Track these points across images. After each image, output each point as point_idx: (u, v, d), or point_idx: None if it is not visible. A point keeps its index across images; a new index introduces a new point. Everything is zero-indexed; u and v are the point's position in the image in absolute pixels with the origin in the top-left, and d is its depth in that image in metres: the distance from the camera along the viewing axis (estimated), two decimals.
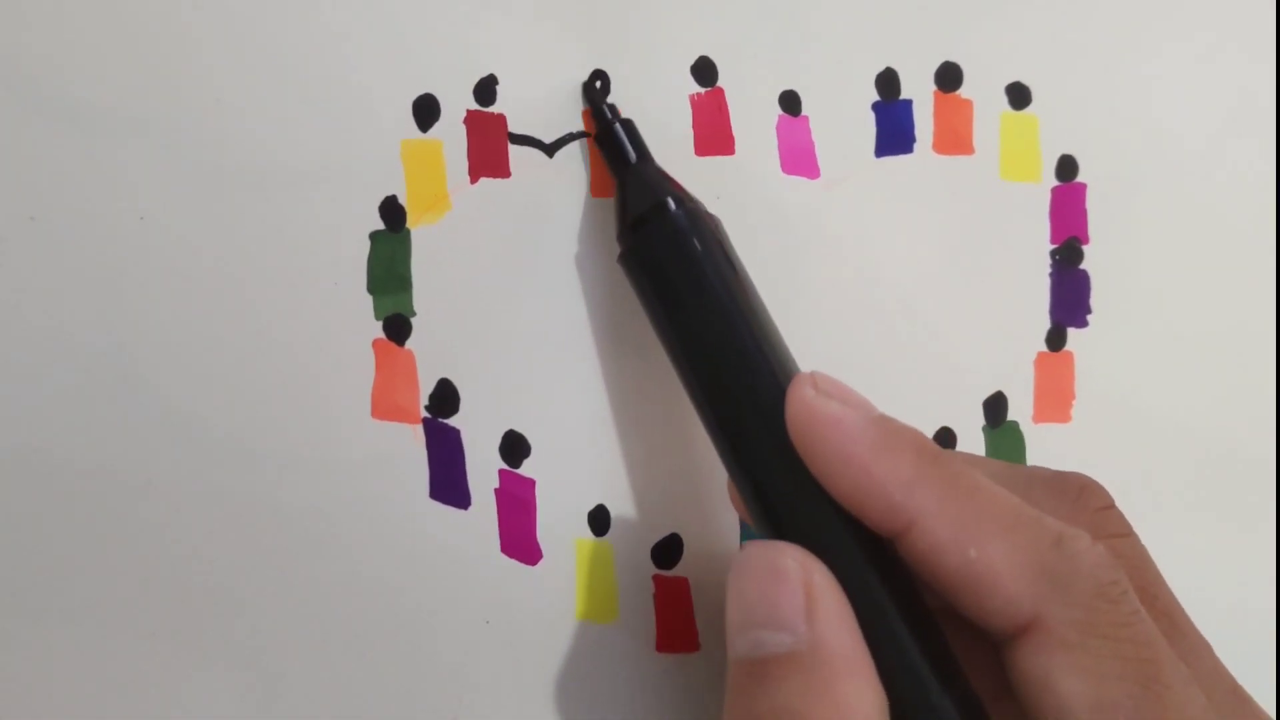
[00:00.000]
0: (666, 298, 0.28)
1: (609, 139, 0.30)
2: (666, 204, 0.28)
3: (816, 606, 0.23)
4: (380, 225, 0.30)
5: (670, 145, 0.31)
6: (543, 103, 0.31)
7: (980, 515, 0.24)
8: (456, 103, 0.30)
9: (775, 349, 0.27)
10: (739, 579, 0.24)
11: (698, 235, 0.28)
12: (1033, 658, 0.23)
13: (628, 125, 0.30)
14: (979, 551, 0.23)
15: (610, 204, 0.31)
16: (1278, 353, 0.35)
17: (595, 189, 0.31)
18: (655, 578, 0.31)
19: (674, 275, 0.28)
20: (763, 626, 0.23)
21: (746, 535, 0.32)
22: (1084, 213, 0.34)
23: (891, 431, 0.25)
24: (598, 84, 0.31)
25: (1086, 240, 0.34)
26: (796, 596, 0.23)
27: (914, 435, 0.25)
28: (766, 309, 0.28)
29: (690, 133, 0.31)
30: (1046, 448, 0.34)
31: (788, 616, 0.23)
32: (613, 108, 0.31)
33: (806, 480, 0.25)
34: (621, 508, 0.31)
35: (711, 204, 0.31)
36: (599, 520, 0.31)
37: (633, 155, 0.30)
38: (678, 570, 0.31)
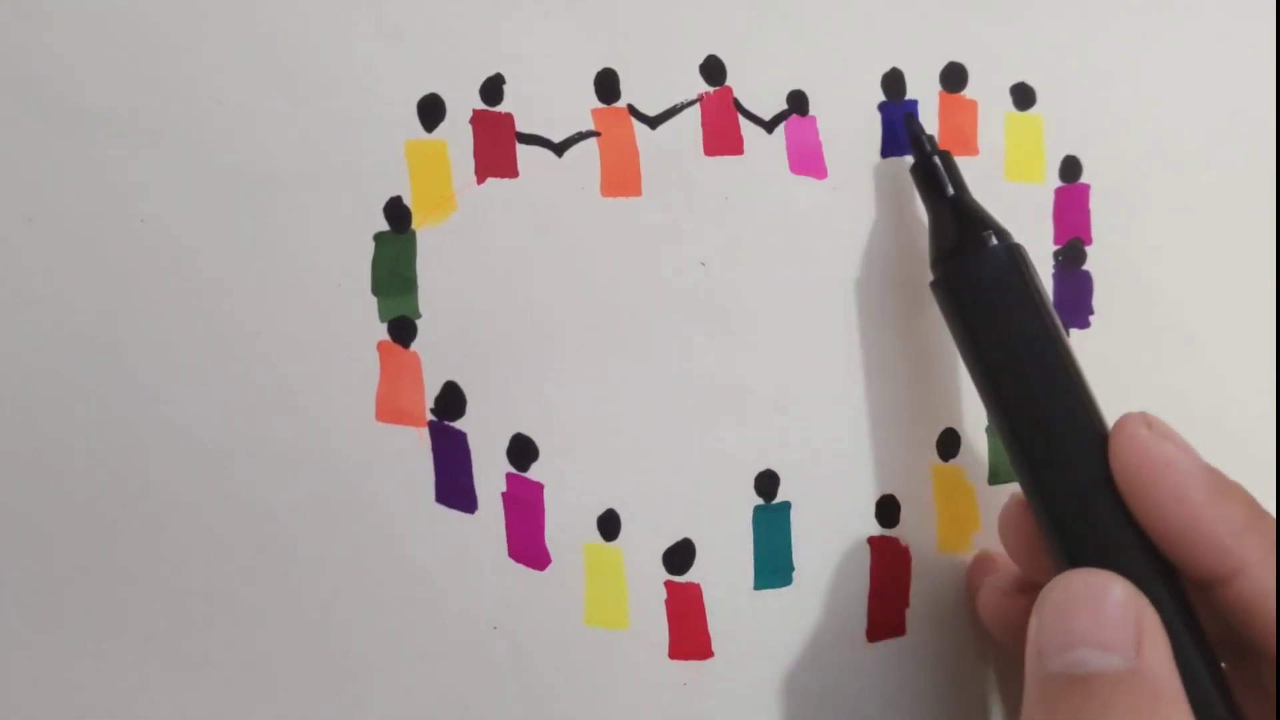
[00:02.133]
0: (985, 328, 0.29)
1: (927, 169, 0.31)
2: (988, 237, 0.30)
3: (1145, 635, 0.24)
4: (385, 226, 0.29)
5: (679, 145, 0.31)
6: (551, 102, 0.30)
7: None
8: (462, 102, 0.30)
9: (1087, 387, 0.28)
10: (1064, 600, 0.25)
11: (1018, 270, 0.29)
12: None
13: (945, 157, 0.31)
14: None
15: (625, 204, 0.31)
16: (1278, 353, 0.35)
17: (606, 188, 0.31)
18: (667, 584, 0.31)
19: (995, 307, 0.29)
20: (1090, 646, 0.24)
21: (760, 543, 0.32)
22: (1087, 214, 0.34)
23: (1224, 481, 0.26)
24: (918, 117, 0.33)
25: (1089, 241, 0.34)
26: (1128, 623, 0.24)
27: (1243, 489, 0.26)
28: (1070, 345, 0.29)
29: (699, 132, 0.31)
30: None
31: (1119, 640, 0.24)
32: (931, 139, 0.31)
33: (1123, 519, 0.26)
34: (632, 512, 0.31)
35: (720, 203, 0.31)
36: (609, 525, 0.31)
37: (950, 188, 0.31)
38: (690, 576, 0.31)
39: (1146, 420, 0.26)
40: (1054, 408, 0.28)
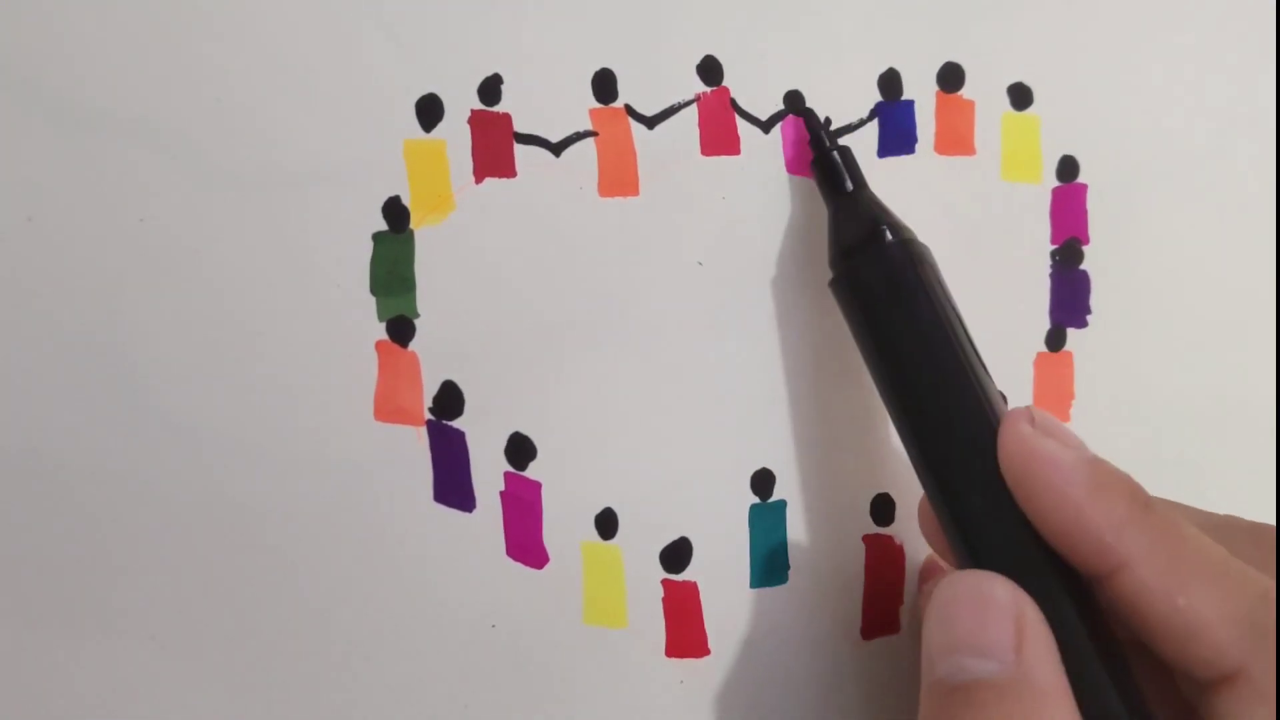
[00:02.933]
0: (879, 326, 0.29)
1: (826, 165, 0.31)
2: (883, 233, 0.29)
3: (1025, 638, 0.24)
4: (383, 226, 0.29)
5: (676, 145, 0.31)
6: (549, 102, 0.30)
7: (1190, 563, 0.24)
8: (460, 102, 0.30)
9: (984, 382, 0.28)
10: (947, 604, 0.25)
11: (912, 266, 0.29)
12: (1233, 707, 0.23)
13: (844, 153, 0.31)
14: (1187, 600, 0.24)
15: (622, 203, 0.31)
16: (1278, 353, 0.36)
17: (603, 188, 0.31)
18: (664, 582, 0.31)
19: (888, 304, 0.28)
20: (969, 652, 0.24)
21: (756, 542, 0.32)
22: (1084, 213, 0.34)
23: (1106, 474, 0.25)
24: (812, 110, 0.32)
25: (1087, 241, 0.35)
26: (1006, 626, 0.24)
27: (1127, 480, 0.25)
28: (973, 341, 0.28)
29: (696, 132, 0.31)
30: None
31: (996, 645, 0.24)
32: (831, 135, 0.31)
33: (1014, 515, 0.26)
34: (629, 511, 0.31)
35: (717, 203, 0.31)
36: (606, 523, 0.31)
37: (849, 183, 0.30)
38: (687, 574, 0.31)
39: (1030, 416, 0.26)
40: (947, 407, 0.27)
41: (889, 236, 0.29)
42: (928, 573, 0.33)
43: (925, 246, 0.29)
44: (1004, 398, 0.28)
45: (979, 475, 0.26)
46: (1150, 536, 0.24)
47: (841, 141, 0.32)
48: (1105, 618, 0.26)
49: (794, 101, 0.32)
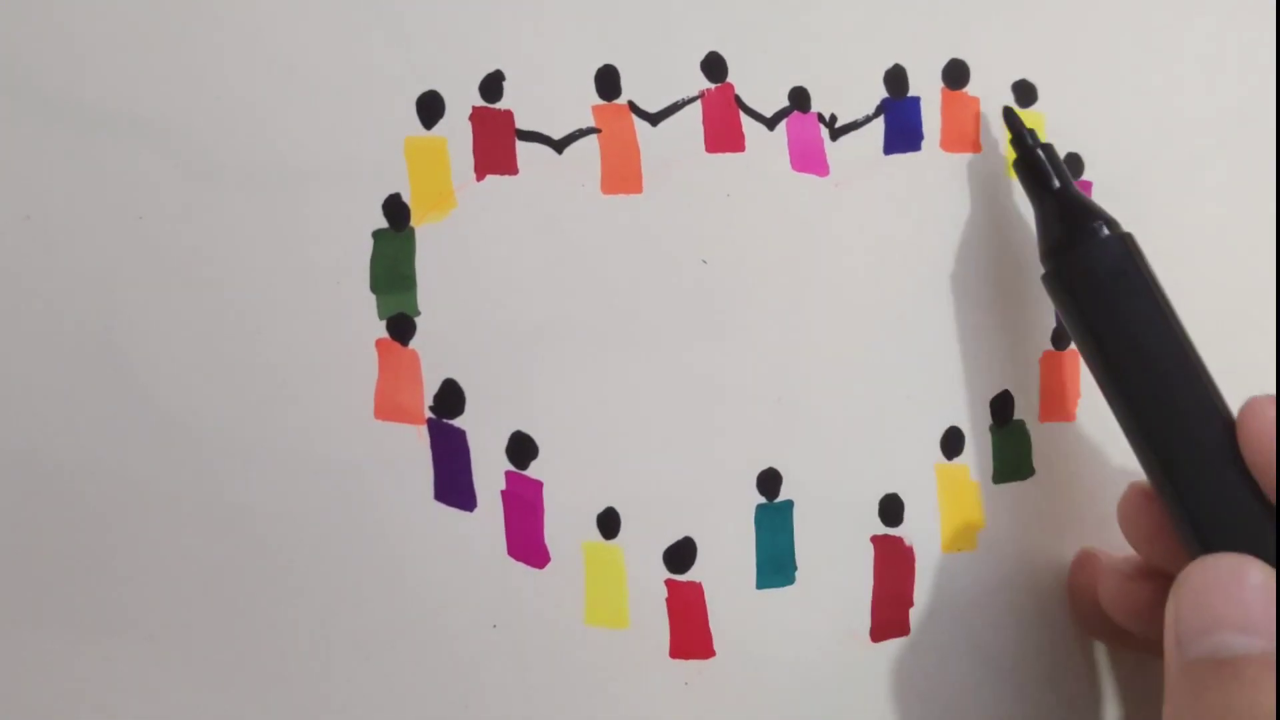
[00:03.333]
0: (1100, 318, 0.29)
1: (1031, 163, 0.31)
2: (1099, 228, 0.30)
3: None
4: (384, 224, 0.29)
5: (680, 141, 0.31)
6: (551, 98, 0.30)
7: None
8: (462, 99, 0.30)
9: (1205, 370, 0.29)
10: (1201, 586, 0.25)
11: (1133, 260, 0.30)
12: None
13: (1048, 150, 0.31)
14: None
15: (625, 201, 0.31)
16: (1278, 352, 0.35)
17: (606, 186, 0.30)
18: (668, 582, 0.31)
19: (1114, 297, 0.29)
20: (1233, 630, 0.25)
21: (762, 542, 0.32)
22: None
23: None
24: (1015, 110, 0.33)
25: None
26: (1269, 604, 0.25)
27: None
28: (1182, 324, 0.29)
29: (701, 129, 0.31)
30: (1052, 446, 0.34)
31: (1261, 622, 0.24)
32: (1033, 133, 0.32)
33: (1256, 500, 0.27)
34: (632, 510, 0.31)
35: (722, 201, 0.31)
36: (608, 523, 0.31)
37: (1056, 181, 0.31)
38: (691, 575, 0.31)
39: (1274, 402, 0.27)
40: (1177, 394, 0.28)
41: (1105, 231, 0.30)
42: (1084, 566, 0.33)
43: (1131, 236, 0.30)
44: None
45: (1217, 462, 0.27)
46: None
47: (849, 138, 0.32)
48: None
49: (799, 98, 0.32)
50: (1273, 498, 0.26)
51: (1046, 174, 0.31)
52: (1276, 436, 0.26)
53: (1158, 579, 0.29)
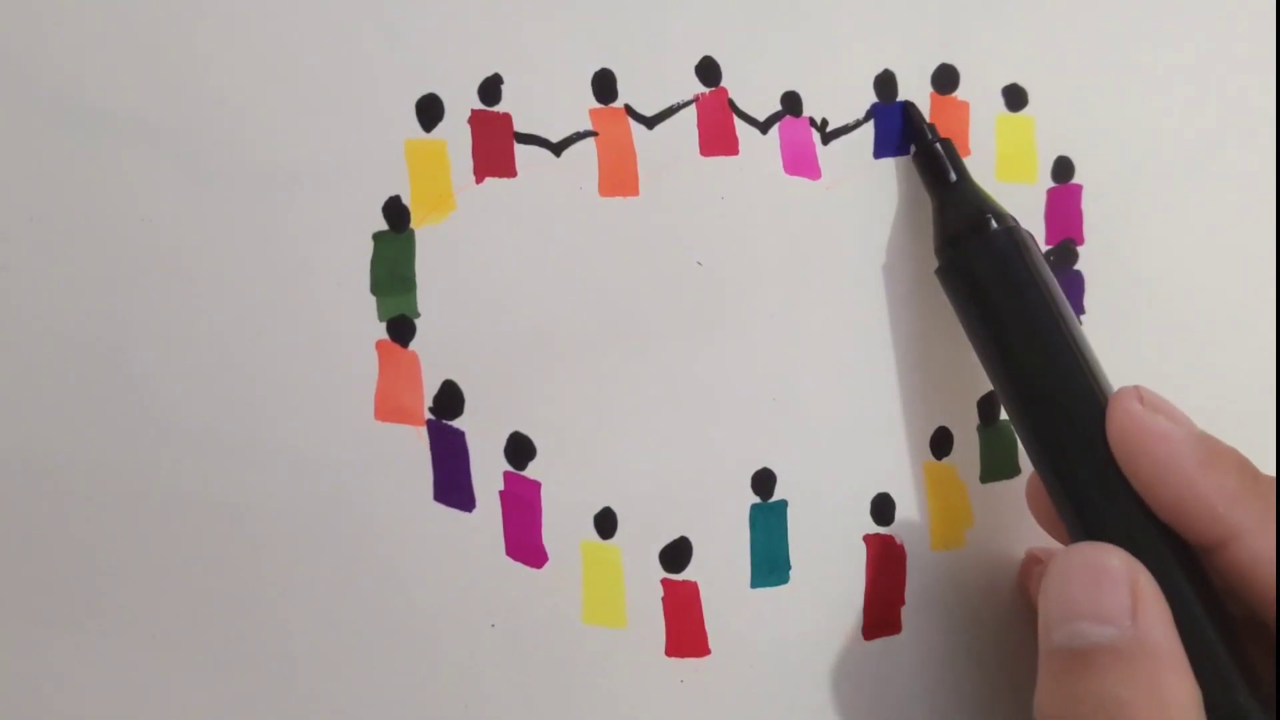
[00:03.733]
0: (989, 311, 0.30)
1: (929, 157, 0.32)
2: (988, 221, 0.30)
3: (1141, 604, 0.25)
4: (384, 226, 0.29)
5: (676, 145, 0.31)
6: (549, 102, 0.30)
7: None
8: (461, 102, 0.30)
9: (1091, 363, 0.29)
10: (1062, 574, 0.26)
11: (1019, 253, 0.30)
12: None
13: (946, 145, 0.32)
14: None
15: (622, 203, 0.31)
16: (1277, 355, 0.36)
17: (603, 188, 0.31)
18: (664, 582, 0.31)
19: (996, 290, 0.30)
20: (1087, 619, 0.25)
21: (757, 541, 0.32)
22: (1079, 214, 0.35)
23: (1215, 448, 0.27)
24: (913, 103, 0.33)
25: (1081, 241, 0.35)
26: (1122, 593, 0.25)
27: (1235, 454, 0.27)
28: (1079, 323, 0.30)
29: (695, 132, 0.31)
30: None
31: (1113, 611, 0.25)
32: (932, 127, 0.32)
33: (1124, 490, 0.27)
34: (629, 510, 0.31)
35: (716, 203, 0.31)
36: (606, 523, 0.31)
37: (953, 174, 0.32)
38: (687, 574, 0.31)
39: (1139, 394, 0.27)
40: (1055, 386, 0.29)
41: (994, 225, 0.30)
42: (1029, 563, 0.33)
43: (1030, 234, 0.31)
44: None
45: (1090, 452, 0.28)
46: (1261, 507, 0.26)
47: (840, 142, 0.32)
48: (1215, 588, 0.27)
49: (791, 102, 0.32)
50: (1139, 488, 0.27)
51: (944, 168, 0.32)
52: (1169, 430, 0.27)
53: None
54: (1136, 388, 0.28)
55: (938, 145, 0.32)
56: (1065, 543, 0.30)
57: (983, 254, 0.30)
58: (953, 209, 0.31)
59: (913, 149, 0.33)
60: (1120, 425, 0.27)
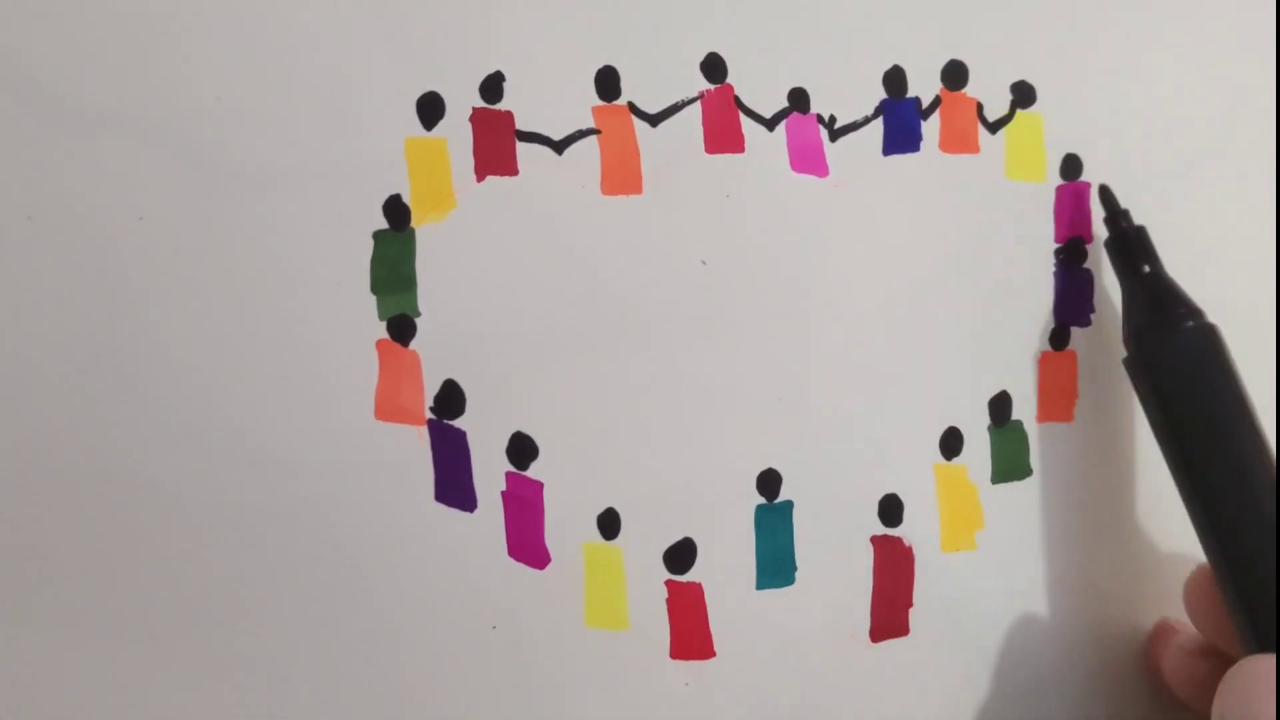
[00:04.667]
0: (1174, 405, 0.30)
1: (1124, 245, 0.32)
2: (1181, 317, 0.31)
3: None
4: (384, 224, 0.29)
5: (680, 142, 0.31)
6: (551, 99, 0.30)
7: None
8: (462, 100, 0.30)
9: (1270, 462, 0.29)
10: (1244, 684, 0.27)
11: (1208, 351, 0.30)
12: None
13: (1140, 232, 0.32)
14: None
15: (625, 202, 0.31)
16: (1278, 353, 0.35)
17: (606, 186, 0.30)
18: (668, 583, 0.31)
19: (1185, 387, 0.30)
20: None
21: (762, 542, 0.32)
22: (1088, 212, 0.34)
23: None
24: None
25: (1090, 239, 0.34)
26: None
27: None
28: (1262, 422, 0.30)
29: (700, 129, 0.31)
30: (1050, 447, 0.34)
31: None
32: (1127, 214, 0.32)
33: None
34: (632, 511, 0.31)
35: (721, 201, 0.31)
36: (609, 524, 0.31)
37: (1147, 265, 0.32)
38: (691, 575, 0.31)
39: None
40: (1242, 492, 0.29)
41: (1187, 322, 0.31)
42: (1162, 636, 0.34)
43: (1217, 329, 0.31)
44: None
45: (1271, 559, 0.28)
46: None
47: (848, 139, 0.32)
48: None
49: (798, 99, 0.32)
50: None
51: (1138, 257, 0.32)
52: None
53: (1217, 658, 0.30)
54: None
55: (1133, 233, 0.32)
56: (1225, 644, 0.30)
57: (1172, 348, 0.31)
58: (1143, 299, 0.32)
59: (1107, 235, 0.33)
60: None
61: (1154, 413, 0.31)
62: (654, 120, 0.31)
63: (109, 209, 0.28)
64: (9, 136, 0.27)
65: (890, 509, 0.33)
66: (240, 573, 0.28)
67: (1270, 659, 0.27)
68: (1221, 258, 0.35)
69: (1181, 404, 0.30)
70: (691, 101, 0.31)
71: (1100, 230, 0.34)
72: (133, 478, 0.28)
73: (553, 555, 0.30)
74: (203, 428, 0.28)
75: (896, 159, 0.33)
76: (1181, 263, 0.34)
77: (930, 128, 0.33)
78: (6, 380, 0.27)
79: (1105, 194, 0.33)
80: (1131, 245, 0.32)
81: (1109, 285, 0.35)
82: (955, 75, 0.33)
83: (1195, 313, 0.31)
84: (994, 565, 0.33)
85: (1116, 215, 0.32)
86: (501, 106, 0.30)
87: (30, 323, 0.27)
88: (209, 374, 0.28)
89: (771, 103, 0.32)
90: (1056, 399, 0.34)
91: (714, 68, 0.31)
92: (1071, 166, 0.34)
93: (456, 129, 0.30)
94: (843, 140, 0.32)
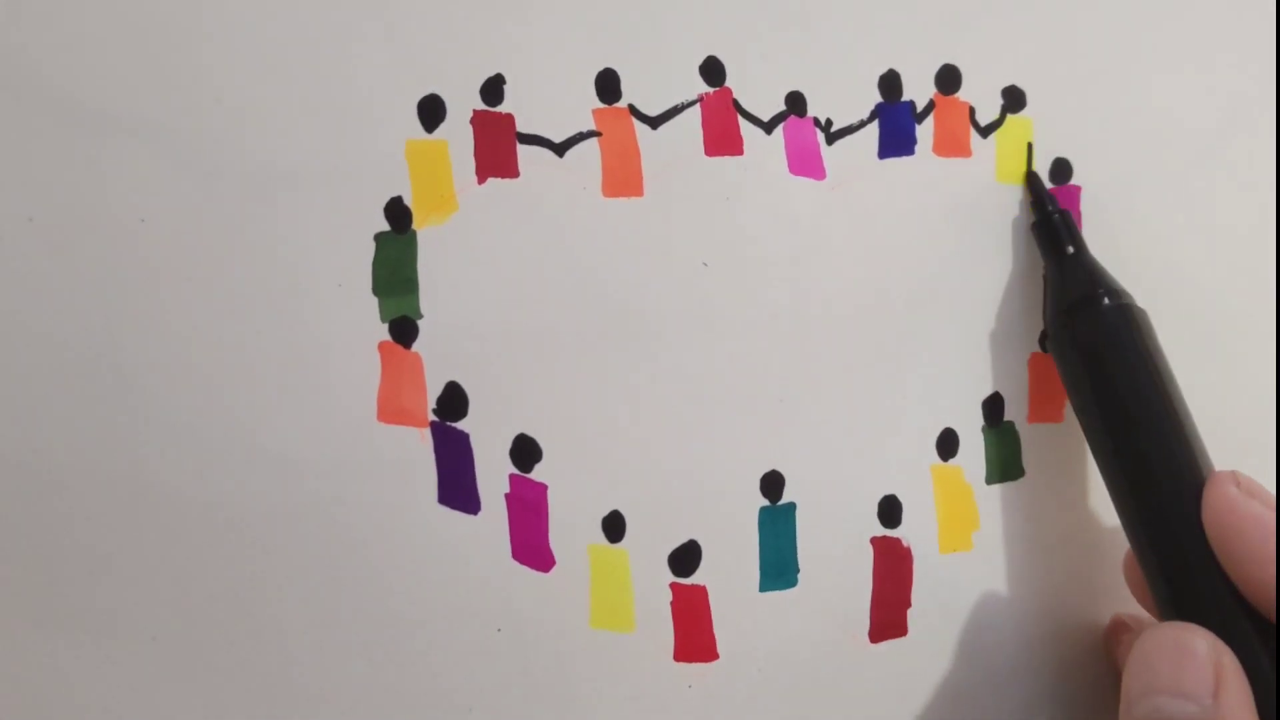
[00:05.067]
0: (1094, 384, 0.31)
1: (1048, 228, 0.33)
2: (1101, 296, 0.31)
3: (1223, 684, 0.26)
4: (385, 227, 0.29)
5: (680, 145, 0.31)
6: (552, 102, 0.30)
7: None
8: (463, 102, 0.30)
9: (1193, 442, 0.30)
10: (1150, 651, 0.27)
11: (1129, 329, 0.31)
12: None
13: (1065, 216, 0.33)
14: None
15: (626, 204, 0.31)
16: (1277, 356, 0.36)
17: (607, 189, 0.30)
18: (673, 585, 0.31)
19: (1106, 363, 0.31)
20: (1170, 694, 0.26)
21: (766, 544, 0.32)
22: (1078, 215, 0.35)
23: None
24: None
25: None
26: (1206, 672, 0.26)
27: None
28: (1184, 401, 0.31)
29: (700, 132, 0.31)
30: (1041, 447, 0.34)
31: (1195, 689, 0.26)
32: (1053, 198, 0.33)
33: (1216, 570, 0.28)
34: (637, 513, 0.31)
35: (721, 204, 0.31)
36: (613, 526, 0.30)
37: (1070, 247, 0.32)
38: (695, 578, 0.31)
39: (1236, 479, 0.29)
40: (1157, 466, 0.30)
41: (1106, 301, 0.31)
42: (1116, 629, 0.34)
43: (1142, 310, 0.32)
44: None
45: (1184, 532, 0.29)
46: None
47: (844, 142, 0.32)
48: None
49: (795, 102, 0.32)
50: (1230, 571, 0.28)
51: (1062, 240, 0.32)
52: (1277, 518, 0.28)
53: None
54: (1234, 472, 0.29)
55: (1057, 216, 0.32)
56: (1155, 614, 0.31)
57: (1095, 326, 0.31)
58: (1067, 280, 0.32)
59: (1031, 218, 0.33)
60: (1215, 508, 0.28)
61: (1075, 390, 0.32)
62: (654, 123, 0.31)
63: (111, 211, 0.27)
64: (10, 137, 0.27)
65: (890, 510, 0.33)
66: (243, 575, 0.28)
67: (1169, 626, 0.27)
68: (1217, 260, 0.36)
69: (1101, 380, 0.31)
70: (691, 104, 0.31)
71: (1090, 232, 0.34)
72: (135, 480, 0.27)
73: (557, 558, 0.30)
74: (205, 430, 0.28)
75: (891, 162, 0.33)
76: (1175, 264, 0.35)
77: (924, 131, 0.33)
78: (9, 381, 0.27)
79: (1033, 180, 0.34)
80: (1056, 228, 0.33)
81: None
82: (948, 79, 0.34)
83: (1115, 292, 0.31)
84: (990, 566, 0.34)
85: (1043, 200, 0.33)
86: (502, 109, 0.30)
87: (32, 324, 0.27)
88: (211, 376, 0.28)
89: (769, 106, 0.32)
90: (1047, 400, 0.35)
91: (713, 71, 0.31)
92: (1061, 170, 0.35)
93: (457, 131, 0.30)
94: (839, 143, 0.33)
